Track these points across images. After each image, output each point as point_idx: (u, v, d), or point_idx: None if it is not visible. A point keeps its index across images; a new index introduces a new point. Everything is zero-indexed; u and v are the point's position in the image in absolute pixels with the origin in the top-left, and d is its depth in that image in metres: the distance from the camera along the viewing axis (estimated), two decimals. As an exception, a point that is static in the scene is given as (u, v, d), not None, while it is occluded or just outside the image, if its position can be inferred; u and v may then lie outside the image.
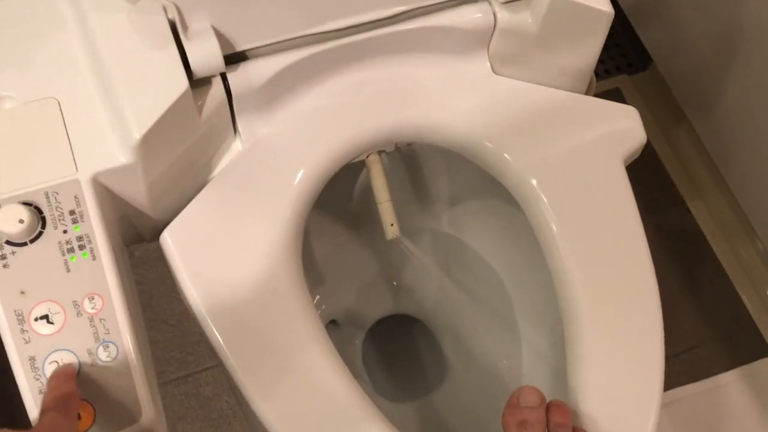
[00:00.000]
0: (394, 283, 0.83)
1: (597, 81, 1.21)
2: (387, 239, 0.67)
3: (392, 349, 0.86)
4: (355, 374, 0.78)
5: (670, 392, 0.98)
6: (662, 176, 1.13)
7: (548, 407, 0.53)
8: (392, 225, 0.67)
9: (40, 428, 0.43)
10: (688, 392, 0.99)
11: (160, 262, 0.92)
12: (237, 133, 0.59)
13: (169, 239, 0.55)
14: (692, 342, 1.04)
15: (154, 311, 0.98)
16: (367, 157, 0.66)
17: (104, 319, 0.49)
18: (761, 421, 0.98)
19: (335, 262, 0.79)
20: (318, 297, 0.78)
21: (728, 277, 1.08)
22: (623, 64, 1.19)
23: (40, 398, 0.47)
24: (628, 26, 1.13)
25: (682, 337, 1.04)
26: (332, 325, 0.81)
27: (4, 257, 0.49)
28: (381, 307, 0.83)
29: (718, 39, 0.95)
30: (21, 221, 0.48)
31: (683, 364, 1.02)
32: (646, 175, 1.12)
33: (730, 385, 1.00)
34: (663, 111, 1.15)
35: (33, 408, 0.47)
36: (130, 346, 0.49)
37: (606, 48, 1.18)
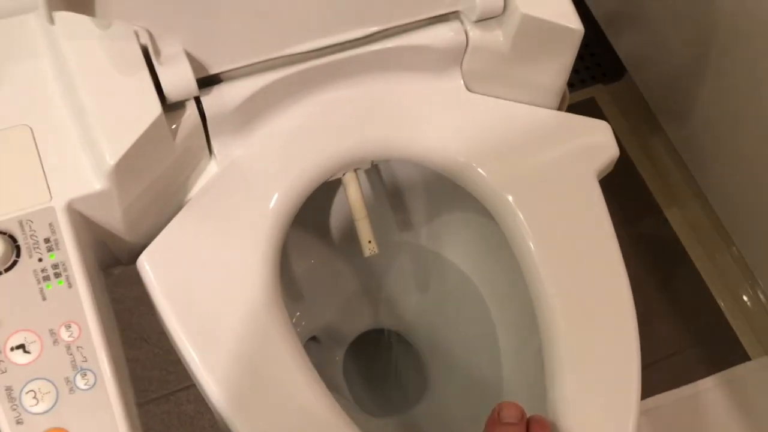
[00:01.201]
0: (374, 298, 0.84)
1: (572, 91, 1.22)
2: (365, 256, 0.67)
3: (373, 363, 0.87)
4: (337, 390, 0.79)
5: (651, 399, 0.99)
6: (639, 185, 1.15)
7: (529, 422, 0.53)
8: (370, 242, 0.67)
9: None
10: (668, 399, 1.00)
11: (139, 281, 0.92)
12: (212, 155, 0.59)
13: (146, 264, 0.55)
14: (671, 349, 1.05)
15: (134, 330, 0.97)
16: (344, 175, 0.66)
17: (81, 347, 0.49)
18: (741, 425, 1.00)
19: (314, 279, 0.79)
20: (298, 313, 0.78)
21: (705, 284, 1.09)
22: (598, 73, 1.20)
23: (18, 428, 0.47)
24: (602, 36, 1.14)
25: (661, 345, 1.05)
26: (313, 342, 0.81)
27: (-22, 287, 0.48)
28: (361, 322, 0.84)
29: (691, 49, 0.97)
30: (-5, 250, 0.48)
31: (663, 371, 1.03)
32: (623, 183, 1.13)
33: (709, 391, 1.01)
34: (638, 120, 1.16)
35: (10, 439, 0.47)
36: (108, 373, 0.49)
37: (581, 58, 1.20)
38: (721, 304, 1.08)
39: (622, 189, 1.11)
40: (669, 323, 1.07)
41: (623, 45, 1.12)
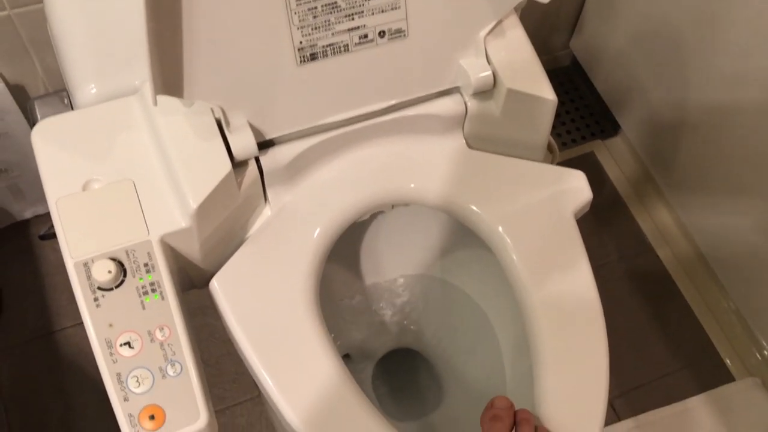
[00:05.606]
0: (397, 321, 0.97)
1: (575, 146, 1.36)
2: None
3: (397, 376, 1.00)
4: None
5: (644, 415, 1.10)
6: (633, 227, 1.26)
7: (516, 413, 0.67)
8: None
9: None
10: (661, 415, 1.10)
11: (199, 312, 1.07)
12: (267, 201, 0.75)
13: (216, 285, 0.71)
14: (664, 371, 1.15)
15: (195, 355, 1.13)
16: (369, 216, 0.82)
17: (171, 344, 0.65)
18: (727, 439, 1.10)
19: (347, 306, 0.94)
20: (333, 335, 0.93)
21: (694, 313, 1.20)
22: (597, 131, 1.33)
23: (125, 404, 0.62)
24: (600, 100, 1.29)
25: (655, 367, 1.16)
26: (346, 359, 0.95)
27: (96, 299, 0.65)
28: (386, 342, 0.97)
29: (672, 109, 1.11)
30: (109, 272, 0.64)
31: (656, 390, 1.13)
32: (619, 226, 1.25)
33: (698, 408, 1.11)
34: (631, 169, 1.29)
35: (119, 409, 0.62)
36: (191, 364, 0.64)
37: (582, 117, 1.35)
38: (708, 332, 1.18)
39: (618, 231, 1.24)
40: (662, 348, 1.17)
41: (617, 107, 1.27)
